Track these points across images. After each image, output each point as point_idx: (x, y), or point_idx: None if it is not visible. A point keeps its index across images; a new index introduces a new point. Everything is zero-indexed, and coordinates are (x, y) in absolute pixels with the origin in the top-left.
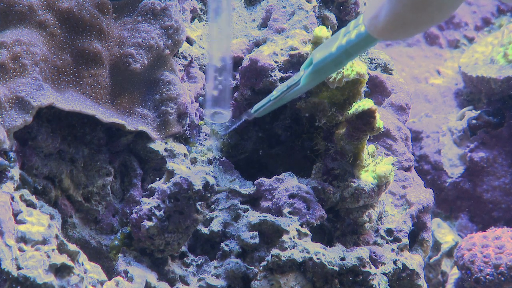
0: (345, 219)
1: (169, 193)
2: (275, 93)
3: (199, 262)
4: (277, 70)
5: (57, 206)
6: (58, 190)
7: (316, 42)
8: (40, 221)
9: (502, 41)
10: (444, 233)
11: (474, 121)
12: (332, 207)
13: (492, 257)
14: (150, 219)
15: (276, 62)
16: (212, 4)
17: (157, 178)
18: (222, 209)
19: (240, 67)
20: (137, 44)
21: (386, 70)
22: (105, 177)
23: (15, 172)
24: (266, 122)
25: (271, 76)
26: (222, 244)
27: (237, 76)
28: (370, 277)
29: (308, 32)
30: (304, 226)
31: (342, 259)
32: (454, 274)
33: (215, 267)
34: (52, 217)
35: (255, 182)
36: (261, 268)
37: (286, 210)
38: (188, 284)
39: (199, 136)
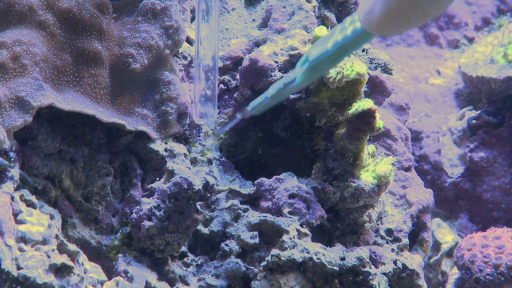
0: (345, 219)
1: (169, 193)
2: (271, 90)
3: (199, 262)
4: (277, 70)
5: (57, 206)
6: (58, 190)
7: None
8: (40, 221)
9: (502, 41)
10: (444, 233)
11: (474, 121)
12: (332, 207)
13: (492, 257)
14: (150, 219)
15: (276, 62)
16: (200, 4)
17: (157, 178)
18: (222, 209)
19: (240, 67)
20: (137, 44)
21: (386, 70)
22: (105, 177)
23: (15, 172)
24: (266, 122)
25: (271, 76)
26: (222, 244)
27: (237, 76)
28: (370, 277)
29: (308, 32)
30: (304, 226)
31: (342, 259)
32: (454, 274)
33: (215, 267)
34: (52, 217)
35: (255, 182)
36: (261, 268)
37: (286, 210)
38: (188, 284)
39: (199, 136)
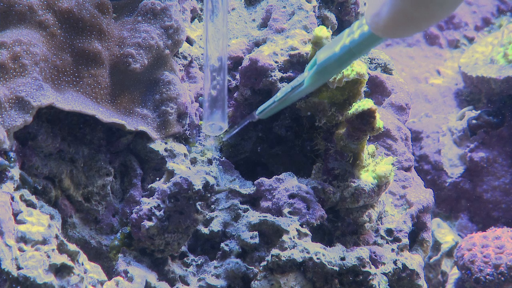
0: (345, 219)
1: (169, 193)
2: (279, 94)
3: (199, 262)
4: (277, 70)
5: (57, 206)
6: (58, 190)
7: (316, 42)
8: (40, 221)
9: (502, 41)
10: (444, 233)
11: (474, 121)
12: (332, 207)
13: (492, 257)
14: (150, 219)
15: (276, 62)
16: (208, 4)
17: (157, 178)
18: (222, 209)
19: (240, 67)
20: (137, 44)
21: (386, 70)
22: (105, 177)
23: (15, 172)
24: (266, 122)
25: (271, 76)
26: (222, 244)
27: (237, 76)
28: (370, 277)
29: (308, 32)
30: (304, 226)
31: (342, 259)
32: (454, 274)
33: (215, 267)
34: (52, 217)
35: (255, 182)
36: (261, 268)
37: (286, 210)
38: (188, 284)
39: (199, 136)
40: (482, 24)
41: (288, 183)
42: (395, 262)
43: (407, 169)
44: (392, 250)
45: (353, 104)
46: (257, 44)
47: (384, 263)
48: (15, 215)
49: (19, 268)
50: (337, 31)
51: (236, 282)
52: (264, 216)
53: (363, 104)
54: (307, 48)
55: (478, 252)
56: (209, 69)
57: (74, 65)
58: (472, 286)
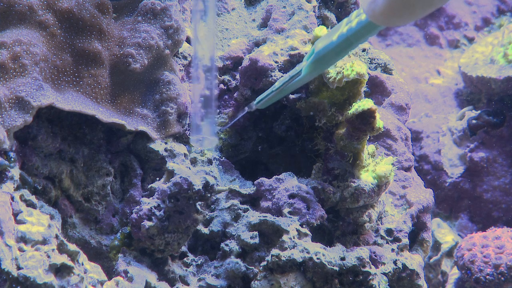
0: (345, 219)
1: (169, 193)
2: (277, 84)
3: (199, 262)
4: (277, 70)
5: (57, 206)
6: (58, 190)
7: None
8: (40, 221)
9: (502, 41)
10: (444, 233)
11: (474, 121)
12: (332, 207)
13: (492, 257)
14: (150, 219)
15: (276, 62)
16: (198, 5)
17: (157, 178)
18: (222, 209)
19: (240, 67)
20: (137, 44)
21: (386, 70)
22: (105, 177)
23: (15, 172)
24: (266, 122)
25: (271, 76)
26: (222, 244)
27: (237, 76)
28: (370, 277)
29: (308, 32)
30: (304, 226)
31: (342, 259)
32: (454, 274)
33: (215, 267)
34: (52, 217)
35: (255, 182)
36: (261, 268)
37: (286, 210)
38: (188, 284)
39: None
40: (482, 24)
41: (288, 183)
42: (395, 262)
43: (407, 169)
44: (392, 250)
45: (353, 104)
46: (257, 44)
47: (384, 263)
48: (15, 215)
49: (19, 268)
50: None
51: (236, 282)
52: (264, 216)
53: (363, 104)
54: (307, 48)
55: (478, 252)
56: (197, 72)
57: (74, 65)
58: (472, 286)
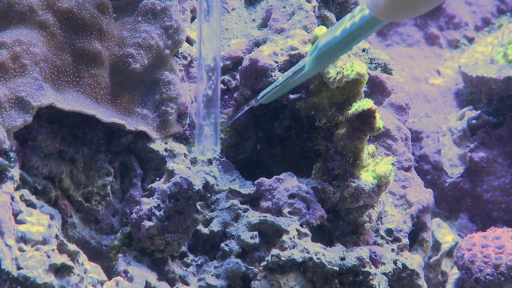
0: (345, 219)
1: (169, 193)
2: (281, 79)
3: (199, 262)
4: (277, 70)
5: (57, 206)
6: (58, 190)
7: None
8: (40, 221)
9: (502, 41)
10: (444, 233)
11: (474, 121)
12: (332, 207)
13: (492, 257)
14: (150, 219)
15: (276, 62)
16: (202, 4)
17: (157, 178)
18: (222, 209)
19: (240, 67)
20: (137, 44)
21: (386, 70)
22: (105, 177)
23: (15, 172)
24: (266, 122)
25: (271, 76)
26: (222, 244)
27: (237, 76)
28: (370, 277)
29: (308, 32)
30: (304, 226)
31: (342, 259)
32: (454, 274)
33: (215, 267)
34: (52, 217)
35: (255, 182)
36: (261, 268)
37: (286, 210)
38: (188, 284)
39: None
40: (482, 24)
41: (288, 183)
42: (395, 262)
43: (407, 169)
44: (392, 250)
45: (353, 104)
46: (257, 44)
47: (384, 263)
48: (15, 215)
49: (19, 268)
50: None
51: (236, 282)
52: (264, 216)
53: (363, 104)
54: (307, 48)
55: (478, 252)
56: (202, 73)
57: (74, 65)
58: (472, 286)
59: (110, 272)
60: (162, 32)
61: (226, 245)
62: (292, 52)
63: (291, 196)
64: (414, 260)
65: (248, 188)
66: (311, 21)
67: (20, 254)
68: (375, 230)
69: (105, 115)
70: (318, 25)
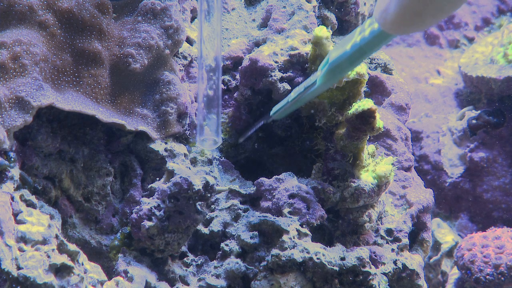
0: (345, 219)
1: (169, 193)
2: (292, 94)
3: (199, 262)
4: (277, 70)
5: (57, 206)
6: (58, 190)
7: (316, 42)
8: (40, 221)
9: (502, 41)
10: (444, 233)
11: (474, 121)
12: (332, 207)
13: (492, 257)
14: (150, 219)
15: (276, 62)
16: (202, 4)
17: (157, 178)
18: (222, 209)
19: (240, 67)
20: (137, 44)
21: (386, 70)
22: (105, 177)
23: (15, 172)
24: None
25: (271, 76)
26: (222, 244)
27: (237, 76)
28: (370, 277)
29: (308, 32)
30: (304, 226)
31: (342, 259)
32: (454, 274)
33: (215, 267)
34: (52, 217)
35: (255, 182)
36: (261, 268)
37: (286, 210)
38: (188, 284)
39: None
40: (482, 24)
41: (288, 183)
42: (395, 262)
43: (407, 169)
44: (392, 250)
45: (353, 104)
46: (257, 44)
47: (384, 263)
48: (15, 215)
49: (19, 268)
50: (337, 31)
51: (236, 282)
52: (264, 216)
53: (363, 104)
54: (307, 48)
55: (478, 252)
56: (203, 71)
57: (74, 65)
58: (472, 286)
59: (110, 272)
60: (162, 32)
61: (226, 245)
62: (292, 52)
63: (291, 196)
64: (414, 260)
65: (248, 188)
66: (311, 21)
67: (20, 254)
68: (375, 230)
69: (105, 115)
70: (318, 25)
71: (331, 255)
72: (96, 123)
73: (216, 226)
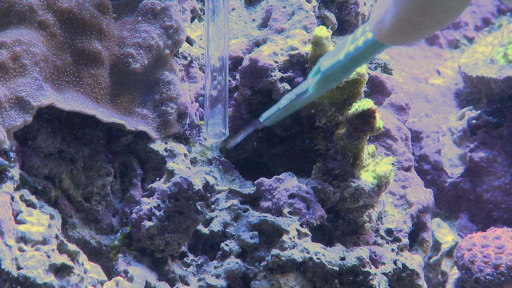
0: (345, 219)
1: (169, 193)
2: (283, 101)
3: (199, 262)
4: (277, 70)
5: (57, 206)
6: (58, 190)
7: (316, 42)
8: (40, 221)
9: (502, 41)
10: (444, 233)
11: (474, 121)
12: (332, 207)
13: (492, 257)
14: (150, 219)
15: (276, 62)
16: (209, 4)
17: (157, 178)
18: (222, 209)
19: (240, 67)
20: (137, 44)
21: (386, 70)
22: (105, 177)
23: (15, 172)
24: None
25: (271, 76)
26: (222, 244)
27: (237, 76)
28: (370, 277)
29: (308, 32)
30: (304, 226)
31: (342, 259)
32: (454, 274)
33: (215, 267)
34: (52, 217)
35: (255, 182)
36: (261, 268)
37: (286, 210)
38: (188, 284)
39: (199, 136)
40: (482, 24)
41: (288, 183)
42: (395, 262)
43: (407, 169)
44: (392, 250)
45: (353, 104)
46: (257, 44)
47: (384, 263)
48: (15, 215)
49: (19, 268)
50: (337, 31)
51: (236, 282)
52: (264, 216)
53: (363, 104)
54: (307, 48)
55: (478, 252)
56: (209, 69)
57: (74, 65)
58: (472, 286)
59: (110, 272)
60: (162, 32)
61: (226, 245)
62: (292, 52)
63: (291, 196)
64: (414, 260)
65: (248, 188)
66: (311, 21)
67: (20, 254)
68: (375, 230)
69: (105, 115)
70: (318, 25)
71: (331, 255)
72: (96, 123)
73: (216, 226)
